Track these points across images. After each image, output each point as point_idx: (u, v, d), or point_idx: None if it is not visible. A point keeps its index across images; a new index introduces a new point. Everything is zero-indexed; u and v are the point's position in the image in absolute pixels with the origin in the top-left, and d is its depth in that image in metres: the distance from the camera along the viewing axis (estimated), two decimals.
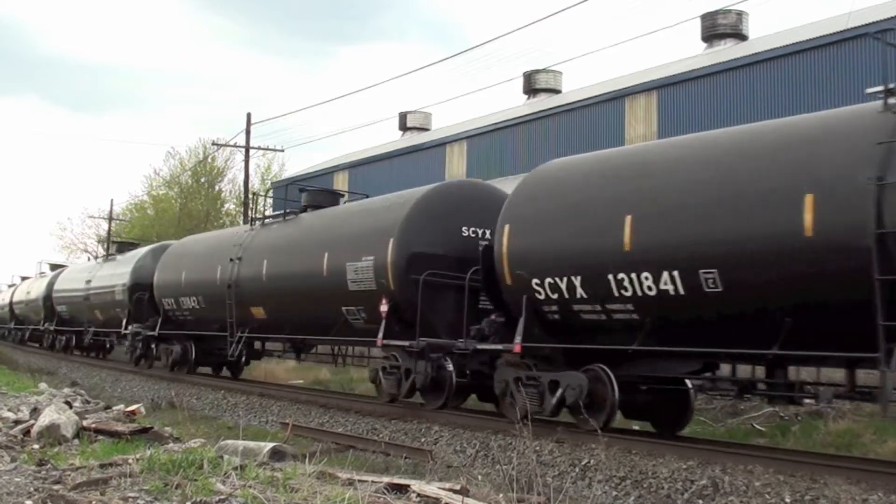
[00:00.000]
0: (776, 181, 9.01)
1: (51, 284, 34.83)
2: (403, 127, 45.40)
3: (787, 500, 8.06)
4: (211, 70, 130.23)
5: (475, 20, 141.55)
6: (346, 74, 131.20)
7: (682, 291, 9.66)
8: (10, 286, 51.71)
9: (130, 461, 8.05)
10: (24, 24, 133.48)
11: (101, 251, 56.86)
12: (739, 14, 30.26)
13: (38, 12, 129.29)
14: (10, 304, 43.77)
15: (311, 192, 18.96)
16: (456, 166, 34.15)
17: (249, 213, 39.22)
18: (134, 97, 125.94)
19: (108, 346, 30.68)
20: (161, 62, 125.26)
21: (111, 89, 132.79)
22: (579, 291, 10.76)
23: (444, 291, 13.24)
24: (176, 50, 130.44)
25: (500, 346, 11.96)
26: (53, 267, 42.84)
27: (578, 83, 53.78)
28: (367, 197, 17.81)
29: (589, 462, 9.92)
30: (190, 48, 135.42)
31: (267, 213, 48.45)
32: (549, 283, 11.12)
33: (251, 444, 9.50)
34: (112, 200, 62.02)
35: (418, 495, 7.26)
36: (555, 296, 11.12)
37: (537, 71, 37.59)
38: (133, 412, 14.23)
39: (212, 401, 18.20)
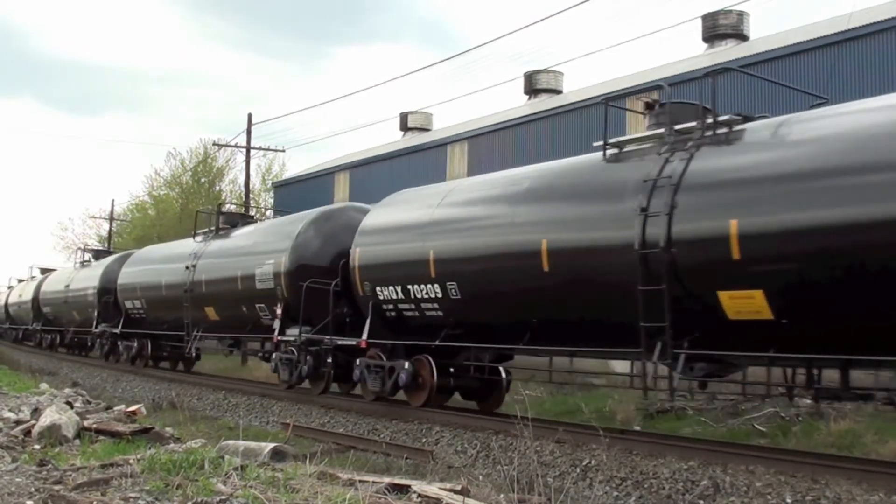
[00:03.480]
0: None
1: (38, 287, 37.59)
2: (404, 127, 45.36)
3: (789, 501, 8.06)
4: (209, 72, 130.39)
5: (469, 21, 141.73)
6: (344, 75, 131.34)
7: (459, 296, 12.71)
8: (8, 288, 53.34)
9: (131, 461, 8.06)
10: (21, 25, 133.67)
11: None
12: (740, 14, 30.22)
13: (35, 14, 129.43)
14: (6, 305, 46.82)
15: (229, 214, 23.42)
16: (457, 166, 34.12)
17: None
18: (133, 98, 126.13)
19: (88, 343, 32.55)
20: (158, 64, 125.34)
21: (109, 90, 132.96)
22: (401, 295, 13.73)
23: (323, 296, 15.53)
24: (173, 52, 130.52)
25: (353, 341, 14.93)
26: (43, 271, 44.79)
27: (579, 84, 53.80)
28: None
29: (590, 462, 9.92)
30: (188, 50, 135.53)
31: (267, 214, 48.41)
32: (386, 292, 14.09)
33: (252, 444, 9.50)
34: (113, 201, 62.04)
35: (419, 496, 7.25)
36: (390, 302, 14.06)
37: (538, 71, 37.53)
38: (134, 412, 14.25)
39: (213, 401, 18.22)
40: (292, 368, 16.71)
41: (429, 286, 13.17)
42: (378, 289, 14.24)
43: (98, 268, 29.42)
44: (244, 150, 37.93)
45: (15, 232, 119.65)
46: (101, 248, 42.23)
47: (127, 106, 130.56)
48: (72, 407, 13.93)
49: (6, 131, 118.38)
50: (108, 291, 27.11)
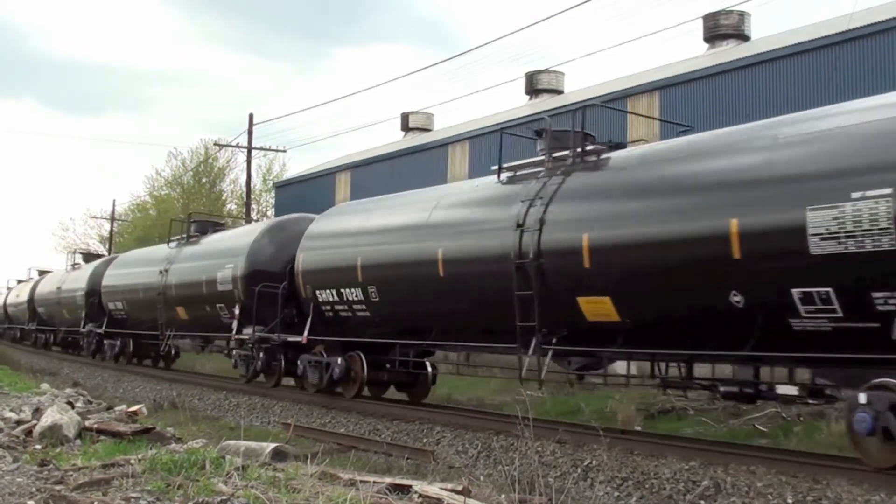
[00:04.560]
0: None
1: (33, 289, 38.85)
2: (405, 127, 45.35)
3: (790, 501, 8.06)
4: (209, 72, 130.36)
5: (469, 21, 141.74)
6: (344, 75, 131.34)
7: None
8: (7, 289, 53.63)
9: (132, 461, 8.05)
10: (21, 25, 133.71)
11: (103, 251, 56.93)
12: (741, 14, 30.21)
13: (35, 14, 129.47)
14: (5, 306, 48.11)
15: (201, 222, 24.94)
16: (458, 167, 34.11)
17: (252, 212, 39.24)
18: (133, 98, 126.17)
19: (80, 342, 32.91)
20: (158, 64, 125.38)
21: (109, 90, 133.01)
22: (336, 297, 15.63)
23: (273, 298, 17.48)
24: (173, 52, 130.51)
25: (298, 338, 16.74)
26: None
27: (580, 84, 53.76)
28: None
29: (591, 463, 9.93)
30: (188, 50, 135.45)
31: (268, 214, 48.39)
32: (325, 294, 15.90)
33: (253, 444, 9.49)
34: (114, 201, 62.00)
35: (420, 496, 7.24)
36: (328, 303, 15.85)
37: (539, 71, 37.53)
38: (135, 412, 14.24)
39: (214, 401, 18.23)
40: (249, 364, 19.19)
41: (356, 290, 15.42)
42: (319, 291, 16.93)
43: (86, 271, 24.80)
44: (245, 151, 37.97)
45: (19, 232, 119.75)
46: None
47: (127, 106, 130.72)
48: (73, 407, 13.93)
49: (6, 131, 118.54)
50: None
